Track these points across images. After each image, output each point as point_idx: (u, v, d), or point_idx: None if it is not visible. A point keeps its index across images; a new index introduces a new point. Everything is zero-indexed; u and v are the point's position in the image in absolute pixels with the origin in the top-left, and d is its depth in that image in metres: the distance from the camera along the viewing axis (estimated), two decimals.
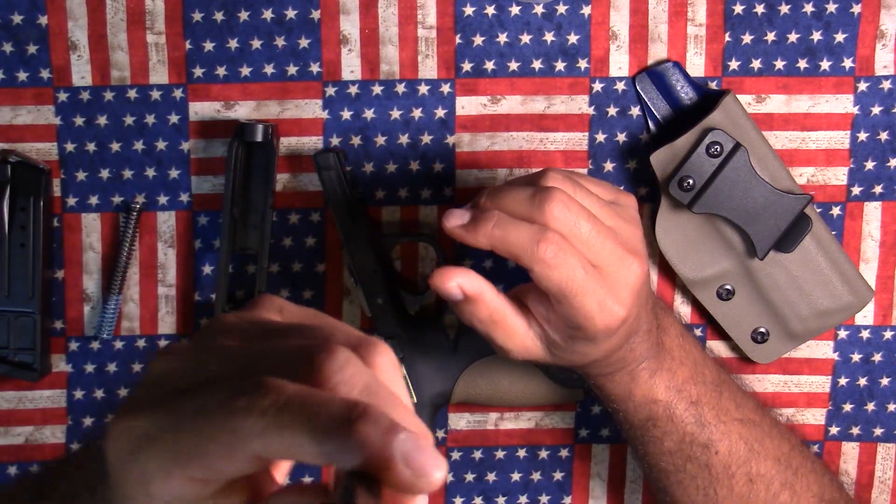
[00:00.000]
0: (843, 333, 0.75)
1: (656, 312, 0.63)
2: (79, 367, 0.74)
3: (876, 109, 0.72)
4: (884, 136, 0.72)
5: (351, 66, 0.71)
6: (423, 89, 0.71)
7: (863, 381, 0.75)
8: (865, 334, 0.75)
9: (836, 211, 0.73)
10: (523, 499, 0.77)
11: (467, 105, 0.71)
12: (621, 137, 0.72)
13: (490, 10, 0.70)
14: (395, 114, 0.72)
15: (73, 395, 0.74)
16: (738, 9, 0.71)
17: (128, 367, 0.74)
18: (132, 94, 0.71)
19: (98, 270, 0.73)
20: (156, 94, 0.71)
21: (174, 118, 0.71)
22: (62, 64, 0.70)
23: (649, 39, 0.71)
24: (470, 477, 0.77)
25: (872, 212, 0.73)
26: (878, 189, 0.73)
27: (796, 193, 0.68)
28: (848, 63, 0.71)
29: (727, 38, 0.71)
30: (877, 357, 0.75)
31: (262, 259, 0.70)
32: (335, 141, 0.72)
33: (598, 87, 0.71)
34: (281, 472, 0.39)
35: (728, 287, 0.72)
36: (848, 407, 0.76)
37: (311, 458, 0.30)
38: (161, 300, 0.73)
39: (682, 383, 0.63)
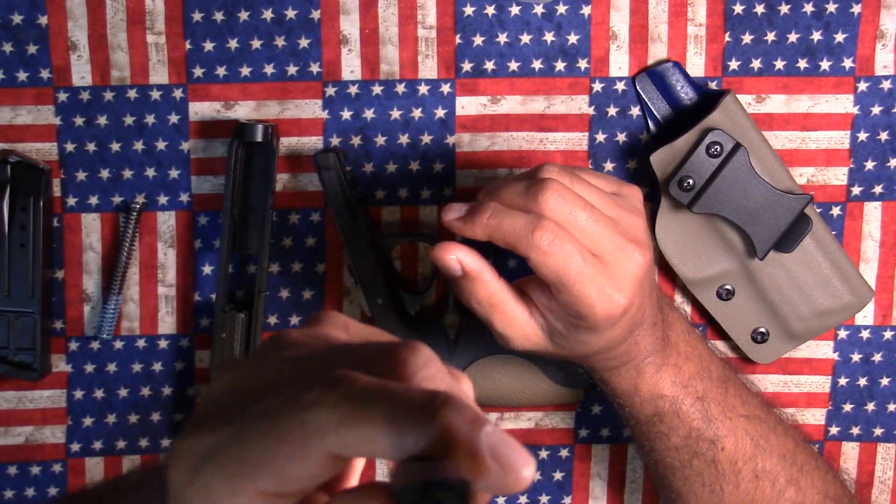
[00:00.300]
0: (843, 333, 0.75)
1: (661, 307, 0.63)
2: (79, 367, 0.74)
3: (876, 109, 0.72)
4: (884, 136, 0.72)
5: (351, 66, 0.71)
6: (423, 89, 0.71)
7: (863, 381, 0.75)
8: (865, 334, 0.75)
9: (836, 211, 0.73)
10: (523, 499, 0.77)
11: (467, 105, 0.71)
12: (621, 137, 0.72)
13: (490, 10, 0.70)
14: (395, 114, 0.72)
15: (73, 395, 0.74)
16: (738, 9, 0.71)
17: (128, 367, 0.74)
18: (132, 94, 0.71)
19: (98, 270, 0.73)
20: (156, 94, 0.71)
21: (174, 118, 0.71)
22: (62, 64, 0.70)
23: (649, 39, 0.71)
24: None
25: (872, 212, 0.73)
26: (878, 189, 0.73)
27: (796, 193, 0.68)
28: (848, 63, 0.71)
29: (727, 38, 0.71)
30: (877, 357, 0.75)
31: (262, 259, 0.70)
32: (335, 141, 0.72)
33: (598, 87, 0.71)
34: (354, 479, 0.37)
35: (728, 287, 0.72)
36: (848, 407, 0.76)
37: (391, 452, 0.28)
38: (161, 300, 0.73)
39: (689, 379, 0.63)
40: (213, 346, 0.71)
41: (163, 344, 0.74)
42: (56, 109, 0.71)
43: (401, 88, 0.71)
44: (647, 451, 0.67)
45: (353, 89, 0.71)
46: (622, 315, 0.56)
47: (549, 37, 0.71)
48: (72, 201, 0.72)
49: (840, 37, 0.71)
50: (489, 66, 0.71)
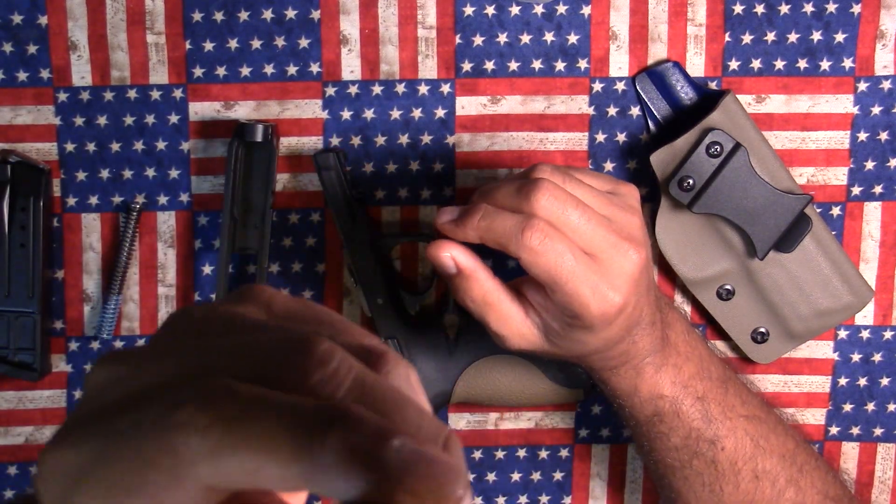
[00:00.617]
0: (843, 333, 0.75)
1: (660, 306, 0.63)
2: (79, 367, 0.74)
3: (876, 109, 0.72)
4: (884, 136, 0.72)
5: (351, 66, 0.71)
6: (423, 89, 0.71)
7: (863, 381, 0.75)
8: (865, 334, 0.75)
9: (836, 211, 0.73)
10: (523, 499, 0.77)
11: (467, 105, 0.71)
12: (621, 137, 0.72)
13: (490, 10, 0.70)
14: (395, 114, 0.72)
15: (73, 395, 0.74)
16: (738, 9, 0.71)
17: None
18: (132, 94, 0.71)
19: (98, 270, 0.73)
20: (156, 94, 0.71)
21: (174, 118, 0.71)
22: (62, 64, 0.70)
23: (649, 39, 0.71)
24: (470, 477, 0.77)
25: (872, 212, 0.73)
26: (878, 189, 0.73)
27: (796, 193, 0.68)
28: (848, 63, 0.71)
29: (727, 38, 0.71)
30: (877, 357, 0.75)
31: (262, 259, 0.70)
32: (335, 141, 0.72)
33: (598, 87, 0.71)
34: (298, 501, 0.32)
35: (728, 287, 0.72)
36: (848, 407, 0.76)
37: (284, 486, 0.24)
38: (161, 300, 0.73)
39: (688, 379, 0.63)
40: None
41: None
42: (56, 109, 0.71)
43: (401, 88, 0.71)
44: (647, 452, 0.67)
45: (353, 89, 0.71)
46: (618, 314, 0.56)
47: (549, 37, 0.71)
48: (72, 201, 0.72)
49: (840, 37, 0.71)
50: (489, 66, 0.71)
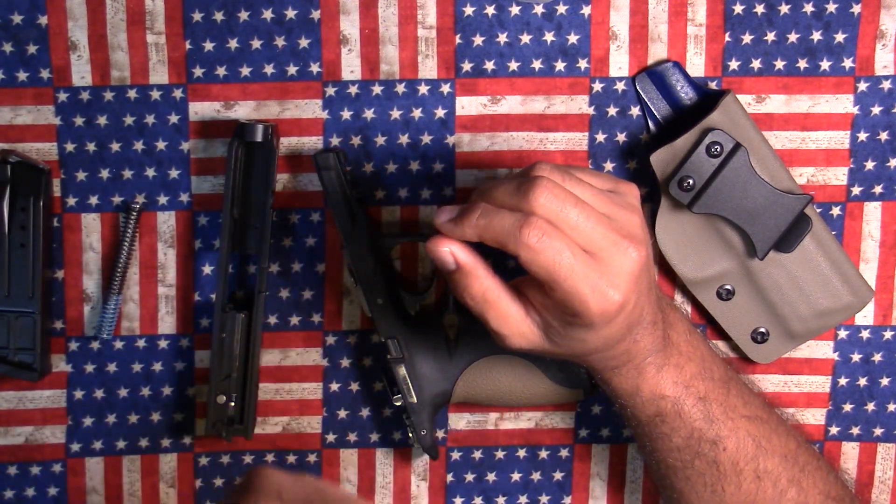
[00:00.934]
0: (843, 333, 0.75)
1: (661, 306, 0.63)
2: (79, 367, 0.74)
3: (876, 109, 0.72)
4: (884, 136, 0.72)
5: (351, 66, 0.71)
6: (423, 89, 0.71)
7: (863, 381, 0.75)
8: (865, 334, 0.75)
9: (836, 211, 0.73)
10: (523, 499, 0.77)
11: (467, 105, 0.71)
12: (621, 137, 0.72)
13: (490, 10, 0.70)
14: (395, 114, 0.71)
15: (73, 395, 0.74)
16: (738, 9, 0.71)
17: (128, 367, 0.74)
18: (132, 94, 0.71)
19: (98, 270, 0.73)
20: (156, 94, 0.71)
21: (174, 118, 0.71)
22: (62, 64, 0.70)
23: (649, 39, 0.71)
24: (470, 477, 0.77)
25: (872, 212, 0.73)
26: (878, 189, 0.73)
27: (796, 193, 0.68)
28: (848, 63, 0.71)
29: (727, 38, 0.71)
30: (877, 357, 0.75)
31: (262, 259, 0.70)
32: (335, 141, 0.72)
33: (598, 87, 0.71)
34: None
35: (728, 287, 0.72)
36: (848, 407, 0.76)
37: None
38: (161, 300, 0.73)
39: (690, 379, 0.63)
40: (213, 346, 0.71)
41: (163, 344, 0.74)
42: (56, 109, 0.71)
43: (401, 88, 0.71)
44: (649, 452, 0.67)
45: (353, 89, 0.71)
46: (618, 312, 0.56)
47: (549, 37, 0.71)
48: (72, 201, 0.72)
49: (840, 37, 0.71)
50: (489, 66, 0.71)
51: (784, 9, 0.71)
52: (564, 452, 0.77)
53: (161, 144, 0.71)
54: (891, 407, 0.76)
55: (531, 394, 0.72)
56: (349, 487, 0.77)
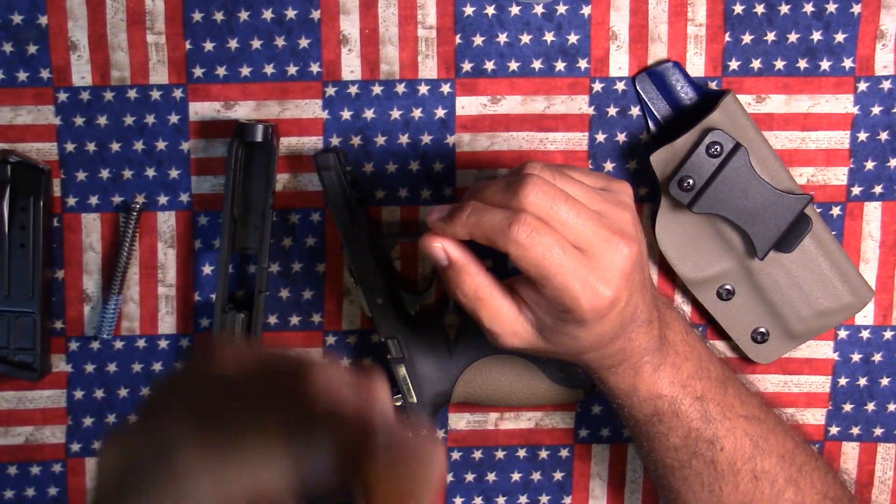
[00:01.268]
0: (843, 333, 0.75)
1: (657, 305, 0.63)
2: (79, 367, 0.74)
3: (876, 109, 0.72)
4: (884, 136, 0.72)
5: (351, 66, 0.71)
6: (423, 89, 0.71)
7: (863, 381, 0.75)
8: (865, 334, 0.75)
9: (836, 211, 0.73)
10: (523, 499, 0.77)
11: (467, 105, 0.71)
12: (621, 137, 0.72)
13: (490, 10, 0.70)
14: (395, 114, 0.72)
15: (73, 395, 0.74)
16: (738, 9, 0.71)
17: (128, 367, 0.74)
18: (132, 94, 0.71)
19: (98, 270, 0.73)
20: (156, 94, 0.71)
21: (174, 118, 0.71)
22: (62, 64, 0.70)
23: (649, 39, 0.71)
24: (470, 477, 0.77)
25: (872, 212, 0.73)
26: (878, 189, 0.73)
27: (796, 193, 0.68)
28: (848, 63, 0.71)
29: (727, 38, 0.71)
30: (877, 357, 0.75)
31: (262, 259, 0.70)
32: (335, 141, 0.72)
33: (598, 87, 0.71)
34: None
35: (728, 287, 0.72)
36: (848, 407, 0.76)
37: None
38: (161, 300, 0.73)
39: (687, 378, 0.63)
40: None
41: (163, 344, 0.74)
42: (56, 109, 0.71)
43: (401, 88, 0.71)
44: (647, 452, 0.67)
45: (353, 89, 0.71)
46: (610, 308, 0.56)
47: (549, 37, 0.71)
48: (72, 201, 0.72)
49: (840, 37, 0.71)
50: (489, 66, 0.71)
51: (784, 9, 0.71)
52: (564, 452, 0.77)
53: (161, 144, 0.71)
54: (891, 407, 0.76)
55: (531, 394, 0.72)
56: None
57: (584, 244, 0.55)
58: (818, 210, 0.72)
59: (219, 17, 0.70)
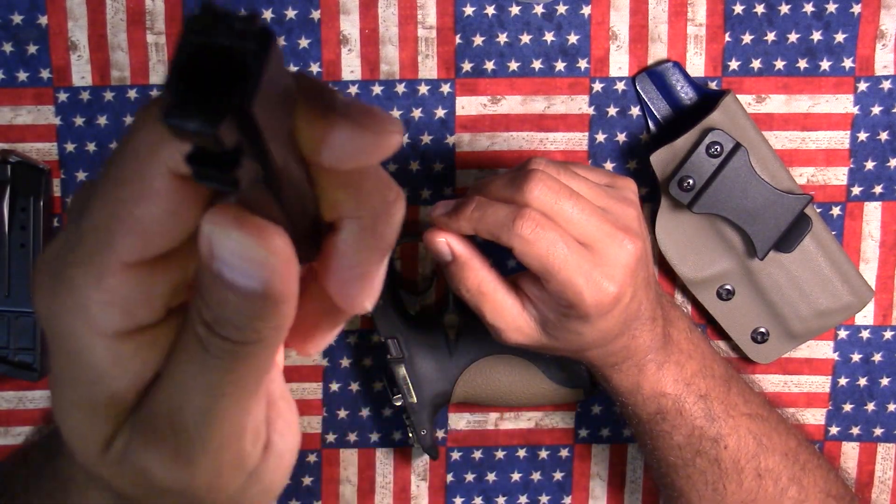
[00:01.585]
0: (843, 333, 0.75)
1: (661, 303, 0.63)
2: None
3: (876, 109, 0.72)
4: (884, 136, 0.72)
5: (351, 66, 0.71)
6: (423, 89, 0.71)
7: (863, 381, 0.75)
8: (865, 334, 0.75)
9: (836, 211, 0.73)
10: (523, 499, 0.77)
11: (467, 105, 0.71)
12: (621, 137, 0.72)
13: (490, 10, 0.70)
14: (395, 114, 0.72)
15: None
16: (738, 9, 0.71)
17: None
18: (132, 94, 0.71)
19: None
20: (155, 94, 0.71)
21: None
22: (62, 64, 0.70)
23: (649, 39, 0.71)
24: (470, 477, 0.77)
25: (872, 212, 0.73)
26: (878, 189, 0.73)
27: (796, 193, 0.68)
28: (848, 63, 0.71)
29: (727, 38, 0.71)
30: (877, 357, 0.75)
31: None
32: None
33: (598, 87, 0.71)
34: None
35: (728, 287, 0.72)
36: (848, 407, 0.76)
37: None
38: None
39: (691, 377, 0.63)
40: None
41: None
42: (56, 109, 0.71)
43: (401, 88, 0.71)
44: (650, 450, 0.67)
45: (354, 89, 0.71)
46: (614, 304, 0.56)
47: (549, 37, 0.71)
48: (72, 198, 0.72)
49: (840, 37, 0.71)
50: (489, 66, 0.71)
51: (784, 9, 0.71)
52: (564, 452, 0.77)
53: None
54: (891, 407, 0.76)
55: (531, 394, 0.72)
56: (349, 487, 0.77)
57: (588, 240, 0.55)
58: (818, 210, 0.72)
59: None
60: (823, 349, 0.75)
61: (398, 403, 0.70)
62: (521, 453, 0.76)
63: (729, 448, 0.64)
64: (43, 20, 0.70)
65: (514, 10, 0.70)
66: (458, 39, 0.71)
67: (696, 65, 0.71)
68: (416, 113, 0.71)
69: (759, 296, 0.72)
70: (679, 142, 0.68)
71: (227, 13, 0.22)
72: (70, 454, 0.29)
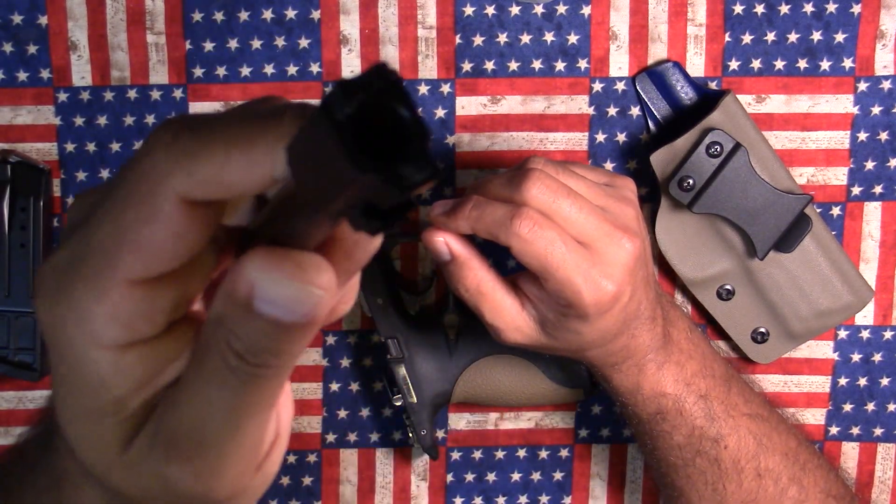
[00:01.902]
0: (843, 333, 0.75)
1: (661, 303, 0.63)
2: None
3: (876, 109, 0.72)
4: (884, 136, 0.72)
5: (351, 66, 0.71)
6: (423, 89, 0.71)
7: (863, 381, 0.75)
8: (865, 334, 0.75)
9: (836, 211, 0.73)
10: (523, 499, 0.77)
11: (467, 105, 0.71)
12: (621, 137, 0.72)
13: (490, 10, 0.70)
14: None
15: None
16: (738, 9, 0.71)
17: None
18: (132, 94, 0.71)
19: None
20: (156, 94, 0.71)
21: None
22: (62, 64, 0.70)
23: (649, 39, 0.71)
24: (470, 477, 0.77)
25: (872, 212, 0.73)
26: (878, 189, 0.73)
27: (796, 193, 0.68)
28: (848, 63, 0.71)
29: (727, 38, 0.71)
30: (877, 357, 0.75)
31: None
32: None
33: (598, 87, 0.71)
34: None
35: (728, 287, 0.72)
36: (848, 407, 0.76)
37: (251, 177, 0.25)
38: None
39: (691, 377, 0.63)
40: None
41: None
42: (56, 109, 0.71)
43: None
44: (650, 450, 0.67)
45: None
46: (612, 303, 0.56)
47: (549, 37, 0.71)
48: (72, 201, 0.72)
49: (840, 37, 0.71)
50: (489, 66, 0.71)
51: (784, 9, 0.71)
52: (564, 452, 0.77)
53: None
54: (891, 407, 0.76)
55: (531, 394, 0.72)
56: (349, 487, 0.77)
57: (586, 239, 0.55)
58: (818, 210, 0.72)
59: (219, 17, 0.70)
60: (823, 349, 0.75)
61: (398, 403, 0.70)
62: (521, 453, 0.77)
63: (729, 448, 0.64)
64: (43, 20, 0.70)
65: (514, 10, 0.70)
66: (458, 39, 0.71)
67: (696, 65, 0.71)
68: None
69: (759, 296, 0.72)
70: (679, 142, 0.68)
71: (403, 85, 0.23)
72: (65, 451, 0.30)
